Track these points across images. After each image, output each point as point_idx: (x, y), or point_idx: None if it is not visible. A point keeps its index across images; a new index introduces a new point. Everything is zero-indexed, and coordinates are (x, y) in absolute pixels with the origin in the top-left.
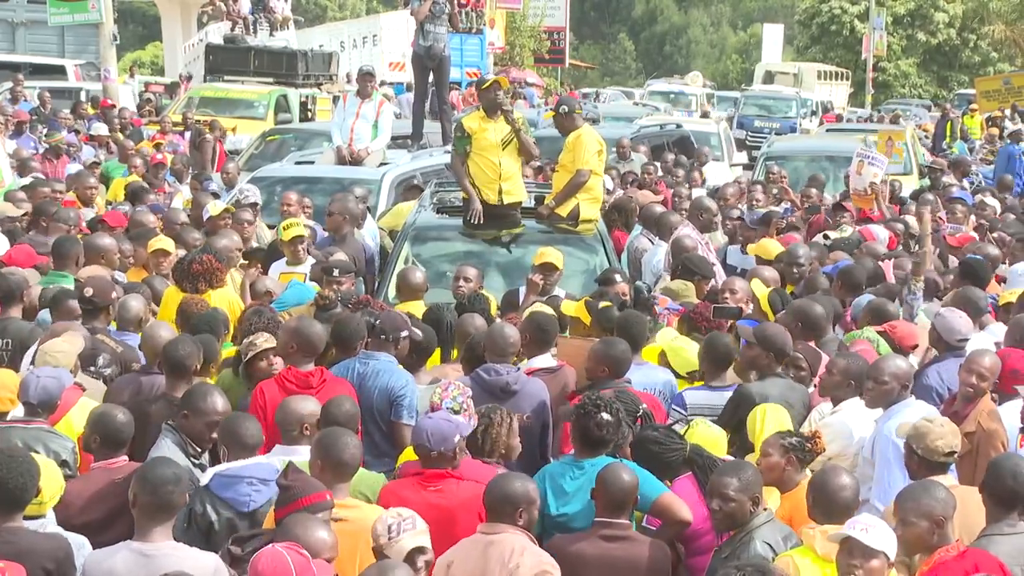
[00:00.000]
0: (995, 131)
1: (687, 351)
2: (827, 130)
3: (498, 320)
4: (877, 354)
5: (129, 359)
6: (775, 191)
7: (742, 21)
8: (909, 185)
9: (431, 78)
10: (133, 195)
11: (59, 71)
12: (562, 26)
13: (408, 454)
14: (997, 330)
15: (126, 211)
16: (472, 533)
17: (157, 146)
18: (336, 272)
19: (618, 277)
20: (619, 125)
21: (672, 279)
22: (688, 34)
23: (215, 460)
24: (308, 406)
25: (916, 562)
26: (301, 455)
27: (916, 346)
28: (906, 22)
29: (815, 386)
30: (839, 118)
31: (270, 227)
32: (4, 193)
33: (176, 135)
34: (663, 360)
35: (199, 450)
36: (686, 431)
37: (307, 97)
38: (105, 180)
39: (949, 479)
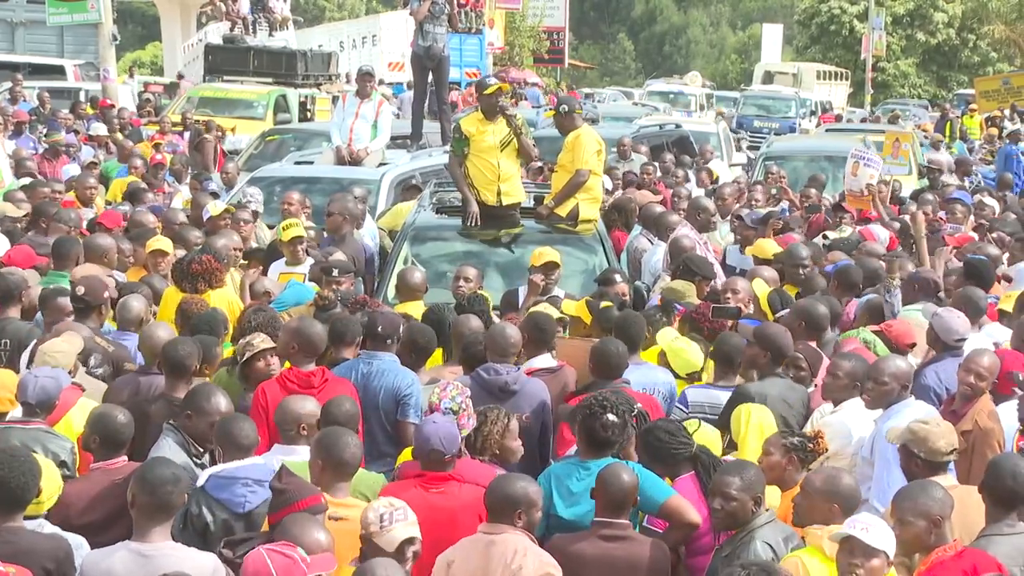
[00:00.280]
0: (994, 131)
1: (687, 352)
2: (826, 130)
3: (499, 320)
4: (874, 354)
5: (121, 359)
6: (774, 191)
7: (741, 21)
8: (909, 185)
9: (430, 78)
10: (132, 195)
11: (58, 71)
12: (561, 26)
13: (407, 454)
14: (995, 331)
15: (125, 211)
16: (473, 534)
17: (156, 146)
18: (335, 272)
19: (618, 277)
20: (618, 125)
21: (673, 279)
22: (687, 34)
23: (215, 461)
24: (307, 406)
25: (915, 562)
26: (299, 455)
27: (913, 344)
28: (905, 22)
29: (816, 386)
30: (838, 118)
31: (270, 227)
32: (4, 193)
33: (175, 135)
34: (663, 360)
35: (201, 450)
36: (695, 431)
37: (306, 97)
38: (104, 180)
39: (949, 479)
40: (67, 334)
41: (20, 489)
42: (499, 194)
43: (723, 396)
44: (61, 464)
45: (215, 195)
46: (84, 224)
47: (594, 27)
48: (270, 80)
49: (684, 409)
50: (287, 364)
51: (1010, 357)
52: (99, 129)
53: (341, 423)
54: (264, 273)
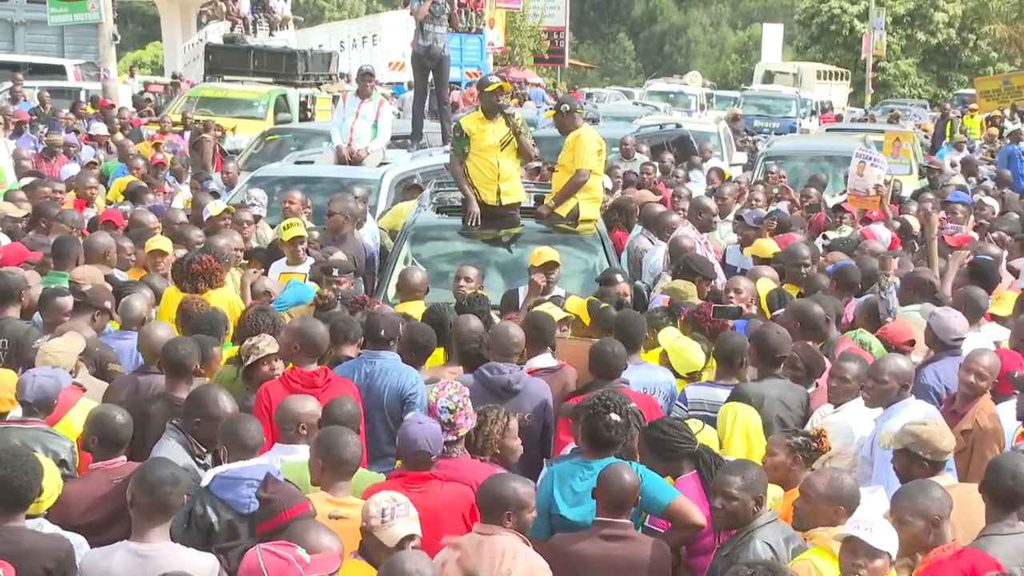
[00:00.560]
0: (994, 131)
1: (688, 351)
2: (827, 130)
3: (502, 320)
4: (871, 356)
5: (105, 359)
6: (776, 190)
7: (741, 21)
8: (909, 185)
9: (431, 78)
10: (132, 195)
11: (59, 71)
12: (562, 26)
13: None
14: (994, 330)
15: (126, 211)
16: (456, 533)
17: (156, 146)
18: (335, 272)
19: (619, 277)
20: (618, 125)
21: (673, 279)
22: (688, 34)
23: (217, 461)
24: (307, 405)
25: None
26: (299, 454)
27: (912, 341)
28: (906, 22)
29: (817, 385)
30: (839, 118)
31: (271, 227)
32: (5, 193)
33: (176, 135)
34: (665, 361)
35: (204, 451)
36: (698, 432)
37: (307, 97)
38: (105, 180)
39: (948, 478)
40: (69, 334)
41: (22, 489)
42: (499, 193)
43: (723, 394)
44: (61, 463)
45: (215, 195)
46: (85, 224)
47: (594, 27)
48: (270, 80)
49: (684, 407)
50: (290, 364)
51: (1009, 357)
52: (99, 129)
53: (342, 423)
54: (265, 273)
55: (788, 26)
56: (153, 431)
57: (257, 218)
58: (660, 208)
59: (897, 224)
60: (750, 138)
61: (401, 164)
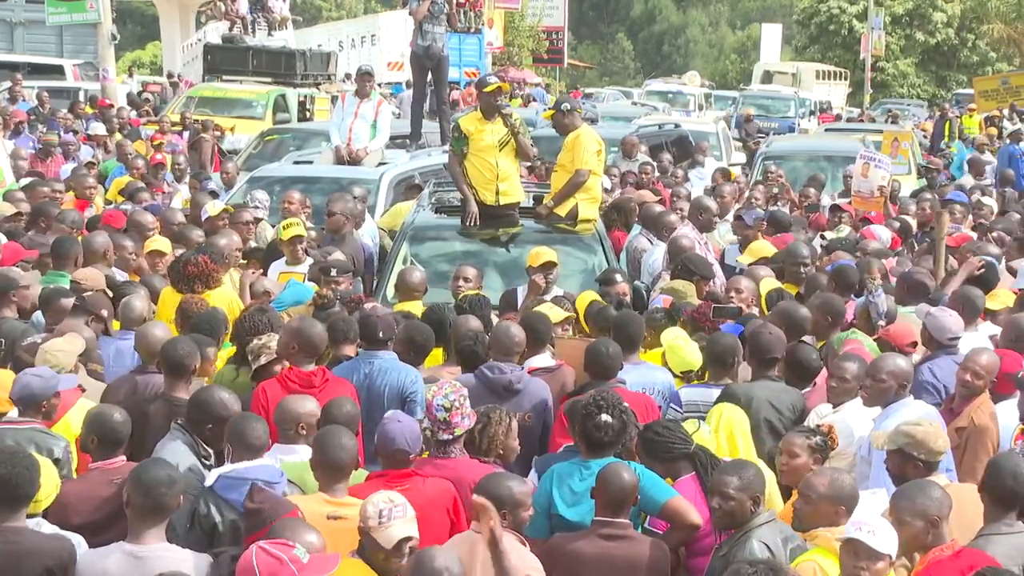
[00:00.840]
0: (994, 131)
1: (683, 350)
2: (826, 130)
3: (501, 319)
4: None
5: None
6: (775, 189)
7: (740, 21)
8: (908, 185)
9: (429, 78)
10: (131, 195)
11: (57, 71)
12: (560, 26)
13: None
14: (990, 329)
15: (128, 210)
16: (441, 528)
17: (157, 146)
18: (334, 272)
19: (618, 277)
20: (617, 125)
21: (672, 279)
22: (686, 34)
23: (222, 461)
24: (306, 405)
25: (914, 562)
26: (298, 454)
27: (915, 343)
28: (904, 22)
29: (815, 385)
30: (838, 118)
31: (272, 226)
32: (4, 193)
33: (175, 135)
34: (666, 360)
35: (210, 451)
36: (694, 432)
37: (305, 97)
38: (103, 180)
39: (943, 479)
40: (70, 334)
41: (22, 486)
42: (498, 193)
43: (716, 395)
44: (56, 462)
45: (214, 195)
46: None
47: (593, 27)
48: (269, 80)
49: (678, 409)
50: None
51: (1009, 357)
52: (98, 129)
53: (341, 424)
54: (264, 273)
55: (787, 26)
56: (153, 431)
57: (258, 219)
58: (659, 208)
59: (897, 224)
60: (763, 138)
61: (400, 164)
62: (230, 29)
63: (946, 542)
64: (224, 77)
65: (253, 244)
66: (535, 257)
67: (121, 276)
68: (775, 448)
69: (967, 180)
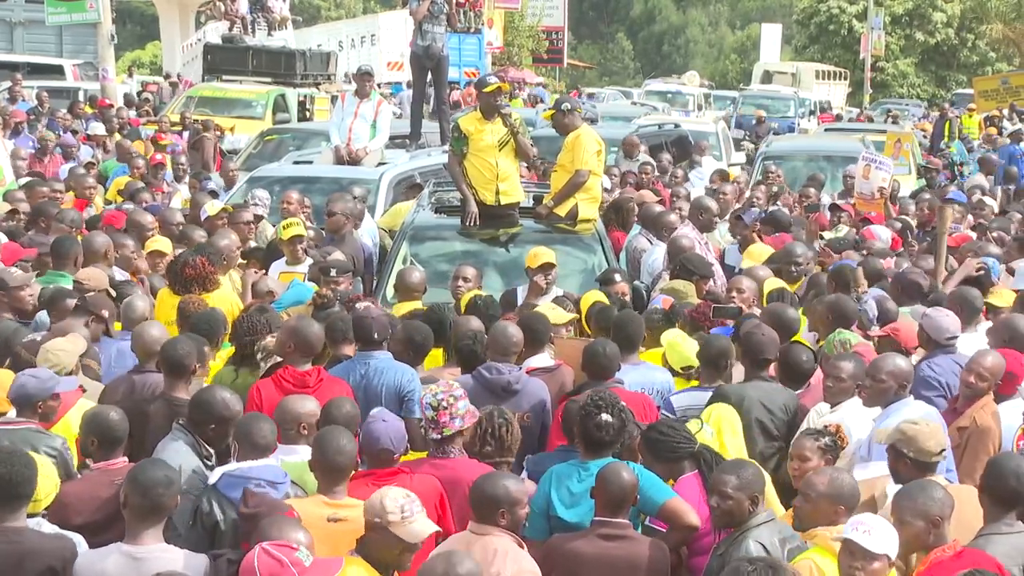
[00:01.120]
0: (993, 131)
1: (681, 346)
2: (825, 130)
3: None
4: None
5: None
6: (775, 189)
7: (740, 21)
8: (907, 185)
9: (429, 78)
10: (131, 195)
11: (57, 71)
12: (560, 26)
13: (415, 453)
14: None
15: (129, 210)
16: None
17: (162, 146)
18: (332, 272)
19: (617, 277)
20: (617, 125)
21: (671, 279)
22: (686, 34)
23: (221, 462)
24: (307, 405)
25: (913, 562)
26: (300, 454)
27: (919, 347)
28: (904, 22)
29: (810, 385)
30: (838, 117)
31: (272, 226)
32: (4, 193)
33: (174, 135)
34: (666, 361)
35: (212, 451)
36: (697, 432)
37: (305, 97)
38: (104, 180)
39: (941, 479)
40: (72, 334)
41: (22, 485)
42: (497, 193)
43: (705, 397)
44: (53, 458)
45: (214, 194)
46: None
47: (593, 27)
48: (269, 80)
49: (670, 416)
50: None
51: (1012, 357)
52: (97, 129)
53: (341, 424)
54: (265, 273)
55: (787, 26)
56: (153, 431)
57: (259, 218)
58: (659, 208)
59: (899, 224)
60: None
61: (399, 164)
62: (230, 29)
63: (947, 542)
64: (224, 77)
65: (253, 244)
66: (533, 258)
67: (121, 276)
68: (767, 448)
69: (979, 179)
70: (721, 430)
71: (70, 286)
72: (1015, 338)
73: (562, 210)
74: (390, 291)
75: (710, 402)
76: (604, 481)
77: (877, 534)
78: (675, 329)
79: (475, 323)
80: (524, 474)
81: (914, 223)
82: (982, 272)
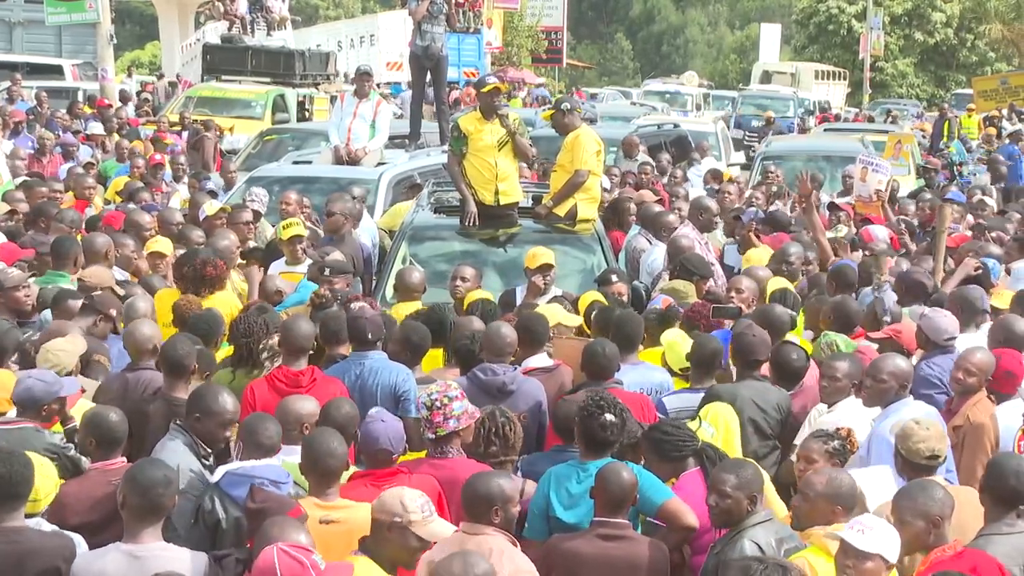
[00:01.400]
0: (992, 131)
1: (681, 347)
2: (825, 129)
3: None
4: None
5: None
6: (774, 188)
7: (739, 21)
8: (907, 185)
9: (428, 78)
10: (130, 195)
11: (56, 71)
12: (560, 26)
13: (414, 453)
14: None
15: (128, 209)
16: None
17: (162, 145)
18: (327, 272)
19: (615, 277)
20: (616, 125)
21: (671, 279)
22: (685, 34)
23: (220, 462)
24: (307, 406)
25: (907, 564)
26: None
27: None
28: (903, 22)
29: (803, 386)
30: (837, 117)
31: (272, 226)
32: (3, 193)
33: (174, 135)
34: (664, 359)
35: (209, 451)
36: (696, 430)
37: (304, 97)
38: (103, 180)
39: (941, 479)
40: (71, 335)
41: (21, 484)
42: (497, 193)
43: (697, 398)
44: (55, 457)
45: (213, 194)
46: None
47: (592, 27)
48: (268, 80)
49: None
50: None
51: (1008, 356)
52: (96, 129)
53: (340, 424)
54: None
55: (786, 26)
56: (153, 431)
57: (257, 216)
58: (658, 208)
59: (902, 225)
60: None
61: (399, 164)
62: (229, 29)
63: (948, 542)
64: (223, 77)
65: (252, 244)
66: (532, 258)
67: (122, 275)
68: (761, 447)
69: (986, 179)
70: (728, 428)
71: (69, 286)
72: (1011, 338)
73: (561, 210)
74: (389, 291)
75: (704, 402)
76: (604, 481)
77: (872, 534)
78: (676, 329)
79: (477, 323)
80: (518, 474)
81: (915, 223)
82: (980, 272)
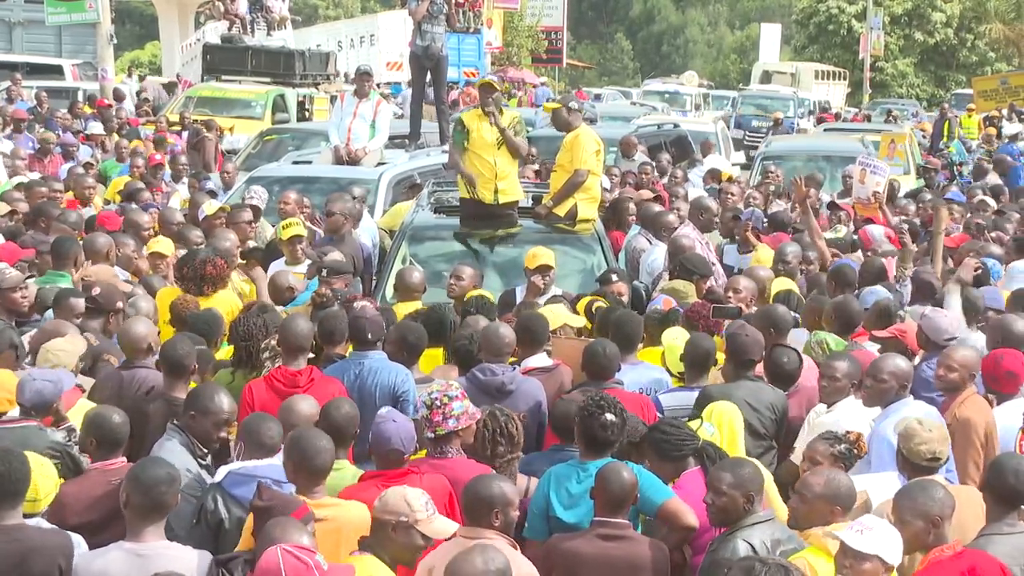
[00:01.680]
0: (992, 131)
1: (681, 349)
2: (824, 129)
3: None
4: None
5: (99, 352)
6: (773, 188)
7: (739, 21)
8: (906, 185)
9: (428, 78)
10: (129, 195)
11: (56, 71)
12: (559, 26)
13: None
14: None
15: (127, 209)
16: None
17: (163, 144)
18: (325, 272)
19: (615, 277)
20: (616, 125)
21: (671, 279)
22: (685, 34)
23: (218, 462)
24: (311, 407)
25: (907, 563)
26: None
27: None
28: (903, 22)
29: (797, 387)
30: (837, 117)
31: (272, 225)
32: (2, 192)
33: (174, 135)
34: (664, 360)
35: (205, 451)
36: (697, 429)
37: (304, 97)
38: (103, 180)
39: (941, 479)
40: (70, 335)
41: (19, 481)
42: (496, 192)
43: (692, 397)
44: (57, 455)
45: (212, 194)
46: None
47: (592, 27)
48: (268, 80)
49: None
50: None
51: (1008, 355)
52: (96, 129)
53: (340, 425)
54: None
55: (786, 26)
56: (152, 431)
57: (256, 213)
58: (658, 208)
59: (906, 226)
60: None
61: (399, 164)
62: (229, 29)
63: (948, 542)
64: (223, 77)
65: (252, 244)
66: (532, 259)
67: (122, 275)
68: (755, 447)
69: (993, 179)
70: (731, 428)
71: (69, 286)
72: (1008, 338)
73: (561, 210)
74: (389, 291)
75: (699, 402)
76: (604, 481)
77: (871, 535)
78: (676, 329)
79: (483, 323)
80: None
81: (917, 223)
82: (979, 273)
